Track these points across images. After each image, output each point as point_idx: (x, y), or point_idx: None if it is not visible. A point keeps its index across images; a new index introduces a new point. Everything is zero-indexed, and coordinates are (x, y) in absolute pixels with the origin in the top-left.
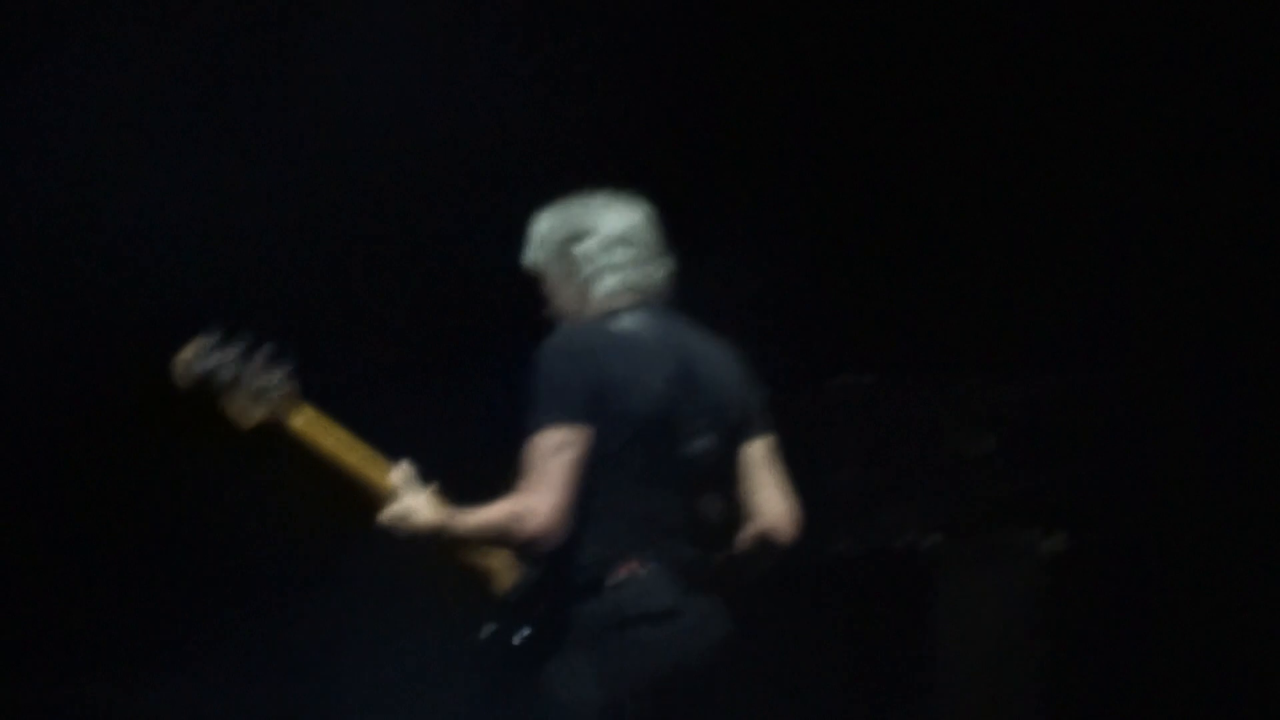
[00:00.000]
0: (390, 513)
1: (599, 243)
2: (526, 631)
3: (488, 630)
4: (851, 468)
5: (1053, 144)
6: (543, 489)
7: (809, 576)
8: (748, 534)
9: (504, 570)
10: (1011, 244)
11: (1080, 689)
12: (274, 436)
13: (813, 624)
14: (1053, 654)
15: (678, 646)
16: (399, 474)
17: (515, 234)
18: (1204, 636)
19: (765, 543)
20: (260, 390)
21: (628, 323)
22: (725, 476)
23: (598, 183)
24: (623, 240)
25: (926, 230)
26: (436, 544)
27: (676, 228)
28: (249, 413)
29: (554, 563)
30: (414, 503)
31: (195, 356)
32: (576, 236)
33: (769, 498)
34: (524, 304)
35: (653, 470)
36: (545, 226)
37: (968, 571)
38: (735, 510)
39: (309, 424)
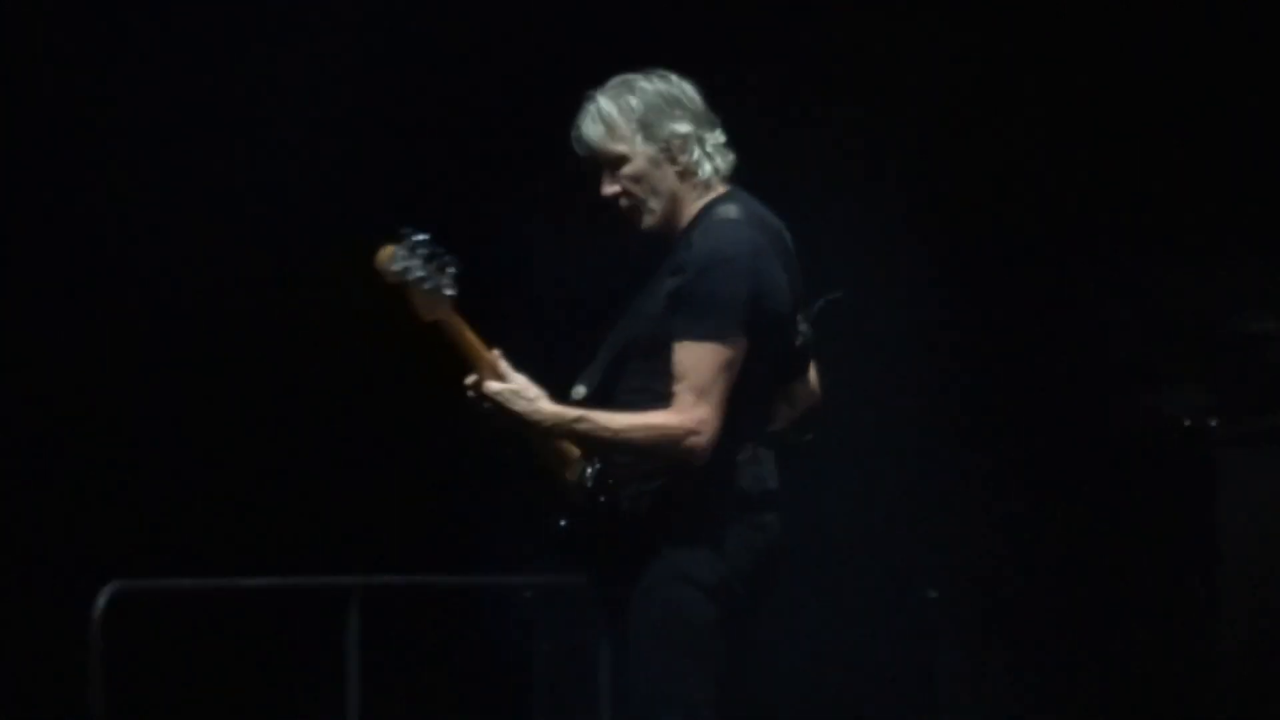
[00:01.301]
0: (508, 388)
1: (696, 121)
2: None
3: (565, 517)
4: (1135, 345)
5: None
6: (713, 406)
7: (1094, 453)
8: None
9: (571, 456)
10: None
11: None
12: (441, 332)
13: (1095, 500)
14: None
15: (778, 528)
16: (502, 360)
17: None
18: None
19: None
20: (435, 290)
21: (744, 213)
22: (806, 357)
23: None
24: (710, 119)
25: (1211, 111)
26: (559, 434)
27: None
28: (428, 309)
29: None
30: (530, 389)
31: (392, 257)
32: (671, 115)
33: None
34: None
35: (769, 360)
36: (629, 103)
37: (1249, 452)
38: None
39: (462, 324)
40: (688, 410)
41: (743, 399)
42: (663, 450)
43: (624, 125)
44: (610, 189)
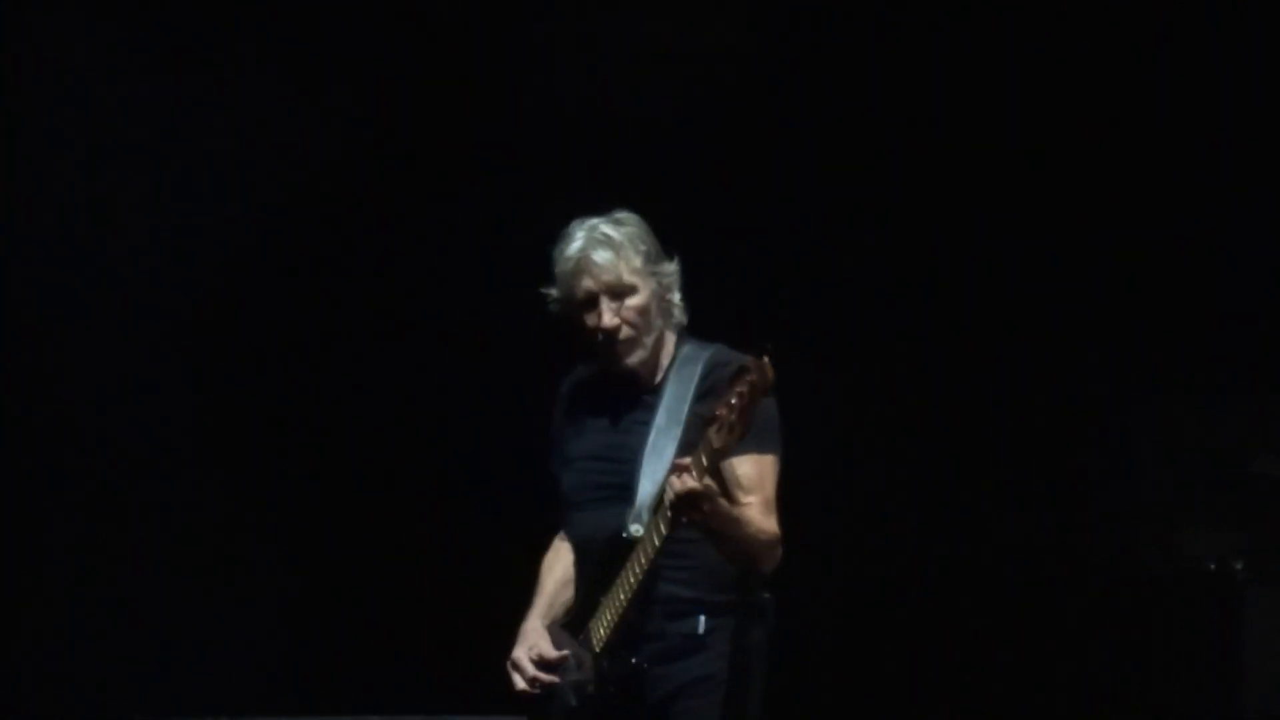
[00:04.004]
0: (707, 486)
1: (669, 259)
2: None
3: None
4: (1160, 487)
5: None
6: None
7: (1117, 594)
8: None
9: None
10: None
11: None
12: None
13: (1120, 642)
14: None
15: None
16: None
17: None
18: None
19: None
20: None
21: None
22: None
23: None
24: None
25: (1235, 247)
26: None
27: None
28: None
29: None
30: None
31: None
32: (661, 252)
33: None
34: None
35: None
36: (634, 234)
37: (1273, 594)
38: None
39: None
40: (770, 522)
41: None
42: (773, 557)
43: (634, 255)
44: (611, 321)
